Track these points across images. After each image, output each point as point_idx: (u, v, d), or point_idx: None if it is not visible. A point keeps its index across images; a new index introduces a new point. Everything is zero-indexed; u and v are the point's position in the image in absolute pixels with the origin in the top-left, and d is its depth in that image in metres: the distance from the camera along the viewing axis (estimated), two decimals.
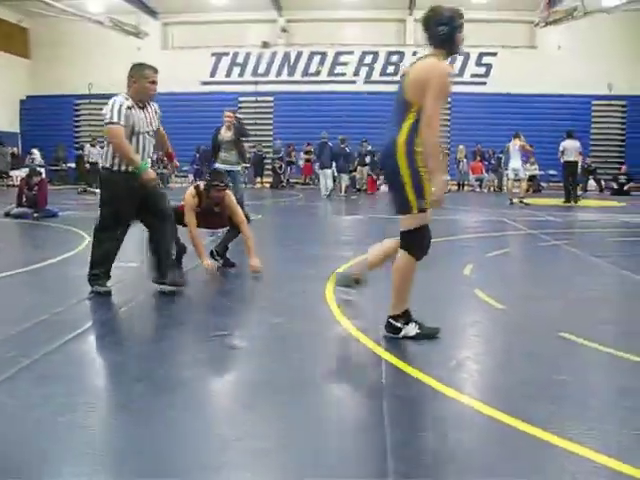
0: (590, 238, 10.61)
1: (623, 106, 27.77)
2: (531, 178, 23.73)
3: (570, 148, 17.78)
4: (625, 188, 23.75)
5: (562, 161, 18.02)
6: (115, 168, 5.46)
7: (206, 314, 5.33)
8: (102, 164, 5.60)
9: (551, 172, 24.09)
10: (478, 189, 24.80)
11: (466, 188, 25.22)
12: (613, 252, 8.93)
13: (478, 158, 25.13)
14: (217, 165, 9.61)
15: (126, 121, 5.33)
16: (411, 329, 4.27)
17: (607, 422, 3.04)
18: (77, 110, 29.01)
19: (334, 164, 20.15)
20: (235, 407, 3.32)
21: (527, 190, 19.32)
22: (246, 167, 24.12)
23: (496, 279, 6.85)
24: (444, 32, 4.26)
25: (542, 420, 2.99)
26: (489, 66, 28.10)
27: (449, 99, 27.32)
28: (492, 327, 4.93)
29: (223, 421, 3.14)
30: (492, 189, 24.83)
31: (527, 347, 4.30)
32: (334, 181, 20.54)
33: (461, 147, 25.52)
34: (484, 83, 27.89)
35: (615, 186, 23.90)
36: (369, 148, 22.52)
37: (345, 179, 20.89)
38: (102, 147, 6.14)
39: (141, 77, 5.47)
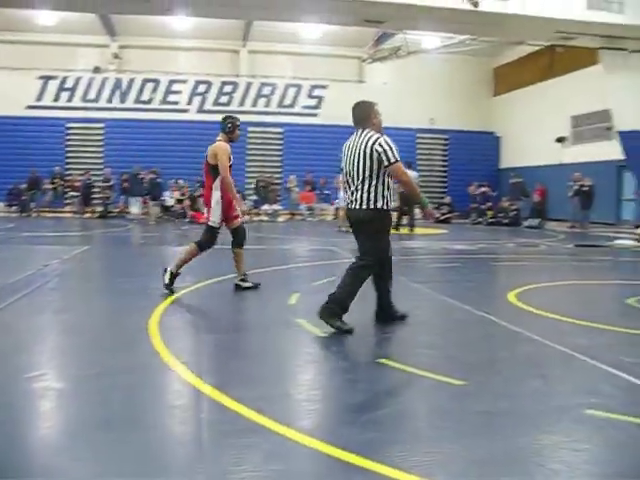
0: (413, 264, 11.17)
1: (445, 139, 29.53)
2: None
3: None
4: (447, 217, 25.23)
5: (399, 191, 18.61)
6: None
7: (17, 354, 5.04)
8: None
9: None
10: (309, 218, 25.24)
11: (297, 217, 25.56)
12: (433, 278, 9.43)
13: (308, 187, 25.64)
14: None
15: None
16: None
17: (431, 446, 3.15)
18: None
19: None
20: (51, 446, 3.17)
21: None
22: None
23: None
24: None
25: (362, 447, 3.04)
26: (320, 98, 28.91)
27: (281, 129, 27.96)
28: (313, 355, 5.03)
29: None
30: (322, 218, 25.27)
31: (348, 375, 4.43)
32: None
33: (292, 177, 26.02)
34: (315, 115, 28.66)
35: (438, 215, 25.25)
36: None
37: (153, 206, 22.53)
38: None
39: None
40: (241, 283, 7.75)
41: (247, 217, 7.59)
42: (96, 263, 11.20)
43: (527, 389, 4.08)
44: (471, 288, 8.31)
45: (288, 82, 28.56)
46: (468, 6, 18.21)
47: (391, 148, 5.53)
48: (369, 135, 5.62)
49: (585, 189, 21.40)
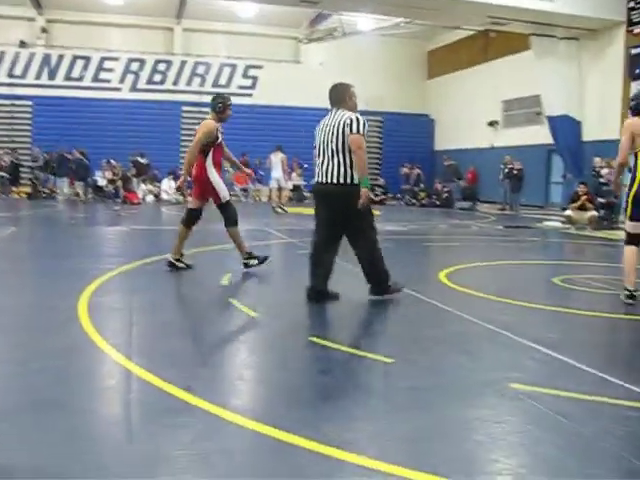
0: (344, 245, 11.19)
1: (380, 121, 29.71)
2: (296, 188, 24.67)
3: (275, 162, 18.45)
4: (381, 198, 25.54)
5: None
6: None
7: None
8: None
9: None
10: (244, 199, 25.05)
11: (232, 198, 25.28)
12: None
13: None
14: None
15: None
16: None
17: (360, 422, 3.20)
18: None
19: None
20: None
21: (290, 199, 20.12)
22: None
23: (252, 287, 7.05)
24: None
25: (293, 424, 3.06)
26: (255, 78, 28.72)
27: None
28: (245, 335, 5.06)
29: None
30: (258, 199, 25.25)
31: (279, 353, 4.47)
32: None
33: None
34: (250, 95, 28.47)
35: (373, 197, 25.46)
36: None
37: (81, 187, 22.64)
38: None
39: None
40: (247, 261, 7.74)
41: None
42: (24, 245, 10.92)
43: (454, 365, 4.19)
44: (402, 268, 8.40)
45: (223, 61, 28.25)
46: None
47: (358, 122, 5.79)
48: (342, 113, 5.93)
49: (515, 172, 21.89)
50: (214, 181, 7.51)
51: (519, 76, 24.14)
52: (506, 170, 22.21)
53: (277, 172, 19.05)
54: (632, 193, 6.36)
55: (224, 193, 7.61)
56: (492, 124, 26.38)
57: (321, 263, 6.17)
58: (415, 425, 3.17)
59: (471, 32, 26.66)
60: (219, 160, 7.66)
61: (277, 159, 19.12)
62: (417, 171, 26.72)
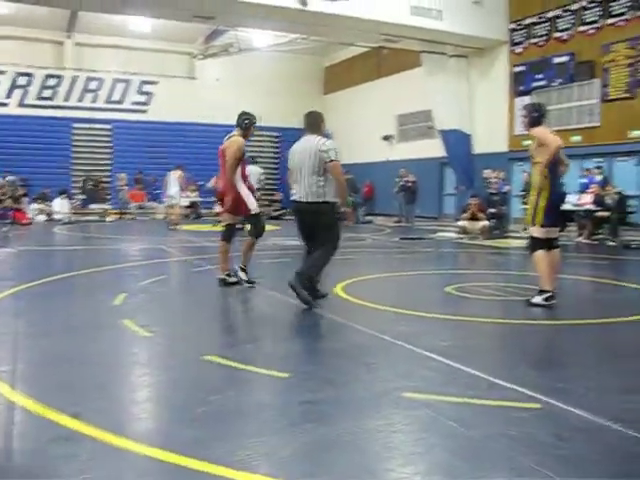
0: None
1: (277, 137, 29.79)
2: (192, 205, 24.35)
3: (254, 174, 17.79)
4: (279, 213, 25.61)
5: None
6: None
7: None
8: None
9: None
10: (139, 217, 24.39)
11: (127, 216, 24.59)
12: (262, 273, 9.47)
13: (139, 186, 24.90)
14: None
15: None
16: None
17: (255, 439, 3.12)
18: None
19: None
20: None
21: (186, 216, 19.84)
22: None
23: (147, 307, 6.87)
24: None
25: (187, 446, 2.98)
26: (150, 94, 28.27)
27: (110, 126, 27.03)
28: (137, 356, 4.90)
29: None
30: (154, 217, 24.58)
31: (173, 373, 4.36)
32: None
33: (122, 175, 25.17)
34: (145, 111, 28.00)
35: (272, 212, 25.43)
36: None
37: None
38: None
39: None
40: (237, 273, 8.00)
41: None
42: None
43: (350, 377, 4.19)
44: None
45: (116, 77, 27.65)
46: (297, 5, 18.48)
47: (334, 149, 6.50)
48: (318, 139, 6.58)
49: (410, 185, 22.37)
50: (244, 194, 7.83)
51: (412, 92, 24.77)
52: (401, 183, 22.67)
53: (173, 189, 18.87)
54: (545, 202, 6.61)
55: (253, 206, 7.91)
56: (387, 138, 26.93)
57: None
58: (310, 439, 3.14)
59: (365, 49, 27.18)
60: (244, 174, 8.00)
61: (175, 177, 18.94)
62: None
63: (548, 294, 6.65)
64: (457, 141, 22.11)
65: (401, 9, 19.89)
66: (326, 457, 2.95)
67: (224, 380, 4.17)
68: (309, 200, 6.58)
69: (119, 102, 27.58)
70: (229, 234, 8.02)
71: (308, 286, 6.59)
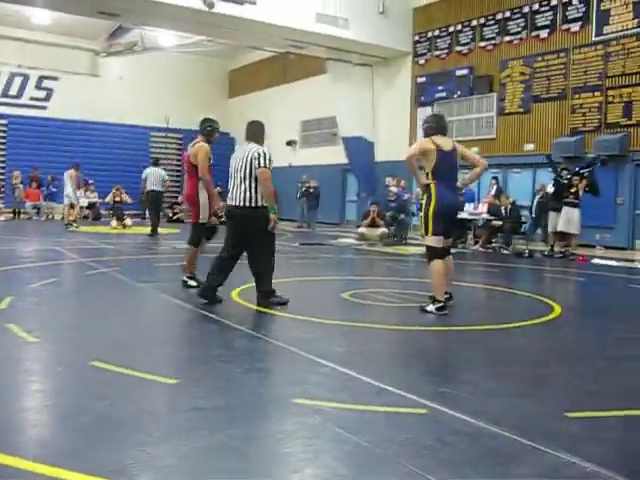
0: (140, 264, 10.97)
1: (180, 139, 29.41)
2: (91, 205, 23.70)
3: (157, 176, 17.06)
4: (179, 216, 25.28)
5: (146, 190, 17.04)
6: None
7: None
8: None
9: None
10: (35, 217, 23.57)
11: (22, 216, 23.72)
12: (158, 277, 9.32)
13: (35, 184, 24.00)
14: None
15: None
16: None
17: (137, 448, 3.03)
18: None
19: None
20: None
21: (85, 217, 19.35)
22: None
23: (34, 311, 6.60)
24: None
25: (65, 458, 2.86)
26: (50, 90, 27.37)
27: (5, 121, 25.99)
28: (21, 362, 4.68)
29: None
30: (51, 216, 23.77)
31: (57, 380, 4.20)
32: None
33: (17, 173, 24.15)
34: (44, 107, 27.08)
35: (170, 214, 25.02)
36: None
37: None
38: None
39: None
40: (187, 281, 8.11)
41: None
42: None
43: (240, 383, 4.14)
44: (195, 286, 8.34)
45: (14, 70, 26.63)
46: (203, 7, 18.33)
47: (265, 156, 6.79)
48: (254, 146, 6.89)
49: (312, 191, 22.51)
50: (202, 202, 7.92)
51: (316, 98, 24.99)
52: (303, 189, 22.79)
53: (68, 189, 18.45)
54: (432, 210, 6.74)
55: (204, 215, 7.96)
56: (290, 144, 27.03)
57: (224, 270, 7.09)
58: (196, 447, 3.07)
59: (272, 53, 27.21)
60: (210, 180, 8.03)
61: (68, 176, 18.53)
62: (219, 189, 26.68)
63: (440, 304, 6.78)
64: (360, 148, 22.45)
65: (307, 16, 20.05)
66: (211, 465, 2.89)
67: (111, 386, 4.03)
68: (239, 204, 6.84)
69: (16, 97, 26.60)
70: (199, 239, 8.16)
71: (208, 294, 6.91)
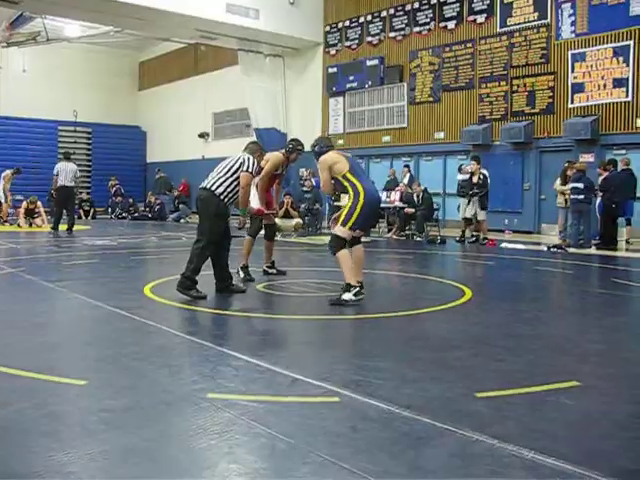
0: (47, 263, 10.64)
1: (89, 133, 28.67)
2: None
3: (68, 171, 16.50)
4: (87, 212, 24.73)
5: (57, 185, 16.50)
6: None
7: None
8: None
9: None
10: None
11: None
12: (68, 276, 9.06)
13: None
14: None
15: None
16: None
17: (46, 453, 2.93)
18: None
19: None
20: None
21: None
22: None
23: None
24: None
25: None
26: None
27: None
28: None
29: None
30: None
31: None
32: None
33: None
34: None
35: (82, 212, 24.44)
36: None
37: None
38: None
39: None
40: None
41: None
42: None
43: (152, 381, 4.07)
44: (106, 284, 8.16)
45: None
46: None
47: (253, 164, 7.15)
48: (247, 155, 7.28)
49: None
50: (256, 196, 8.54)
51: (228, 89, 24.79)
52: None
53: None
54: (359, 207, 6.69)
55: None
56: (203, 136, 26.73)
57: (218, 256, 7.25)
58: (107, 449, 2.99)
59: (182, 45, 26.81)
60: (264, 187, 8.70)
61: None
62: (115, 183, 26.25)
63: (356, 289, 6.73)
64: (273, 140, 22.36)
65: (217, 6, 19.83)
66: (123, 467, 2.83)
67: (16, 392, 3.88)
68: (204, 185, 7.13)
69: None
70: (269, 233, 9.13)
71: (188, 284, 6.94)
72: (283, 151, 8.74)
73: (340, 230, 6.79)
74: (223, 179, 7.06)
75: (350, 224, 6.72)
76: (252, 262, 8.78)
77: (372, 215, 7.20)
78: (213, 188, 7.03)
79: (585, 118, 16.02)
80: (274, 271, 9.02)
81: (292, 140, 8.96)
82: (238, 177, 7.06)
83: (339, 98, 21.78)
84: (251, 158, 7.22)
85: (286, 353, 4.91)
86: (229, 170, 7.09)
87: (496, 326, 6.07)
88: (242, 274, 8.45)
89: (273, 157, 8.58)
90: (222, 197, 7.03)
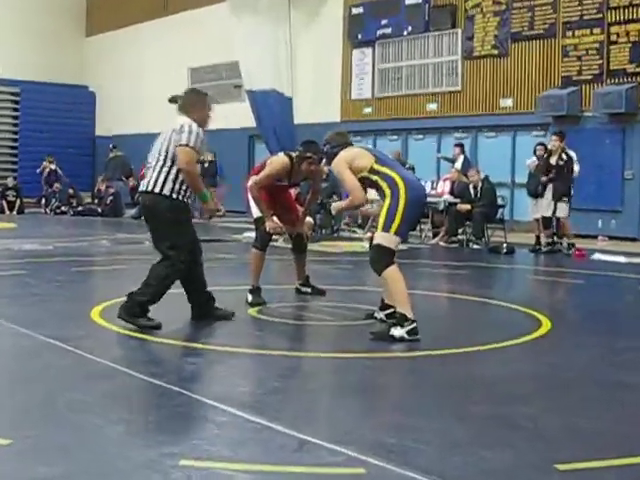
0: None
1: (17, 94, 28.79)
2: None
3: None
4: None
5: None
6: None
7: None
8: None
9: None
10: None
11: None
12: None
13: None
14: None
15: None
16: None
17: None
18: None
19: None
20: None
21: None
22: None
23: None
24: None
25: None
26: None
27: None
28: None
29: None
30: None
31: None
32: None
33: None
34: None
35: (5, 204, 24.44)
36: None
37: None
38: None
39: None
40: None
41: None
42: None
43: (101, 441, 4.06)
44: (38, 304, 8.20)
45: None
46: None
47: (191, 133, 6.88)
48: (181, 119, 7.12)
49: (206, 166, 22.20)
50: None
51: (211, 37, 24.81)
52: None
53: None
54: (402, 204, 6.66)
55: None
56: (175, 100, 26.75)
57: (193, 274, 7.30)
58: None
59: None
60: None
61: None
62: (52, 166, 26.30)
63: (412, 324, 6.50)
64: (273, 106, 22.40)
65: None
66: None
67: None
68: (147, 189, 7.07)
69: None
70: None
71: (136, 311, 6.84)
72: (295, 154, 8.65)
73: (384, 238, 6.66)
74: (165, 171, 6.94)
75: (395, 228, 6.62)
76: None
77: (418, 215, 7.22)
78: (157, 190, 6.95)
79: None
80: (308, 290, 9.19)
81: (303, 143, 8.81)
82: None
83: (366, 49, 21.79)
84: (189, 124, 7.03)
85: (289, 405, 4.91)
86: (165, 155, 6.98)
87: (581, 369, 6.06)
88: (250, 298, 8.47)
89: (274, 162, 8.70)
90: (173, 195, 6.97)
